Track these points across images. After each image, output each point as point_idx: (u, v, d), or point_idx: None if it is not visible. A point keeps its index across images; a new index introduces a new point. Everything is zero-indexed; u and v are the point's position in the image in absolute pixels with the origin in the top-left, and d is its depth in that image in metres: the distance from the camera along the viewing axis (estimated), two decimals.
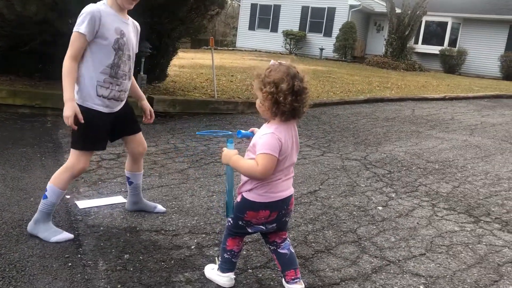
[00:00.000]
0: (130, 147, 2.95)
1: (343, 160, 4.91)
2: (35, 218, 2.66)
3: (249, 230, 2.19)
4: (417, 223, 3.35)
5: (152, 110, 3.06)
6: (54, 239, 2.60)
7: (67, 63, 2.47)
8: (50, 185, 2.63)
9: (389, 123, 7.34)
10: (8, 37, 5.88)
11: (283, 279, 2.27)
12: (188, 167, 4.27)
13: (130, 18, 2.72)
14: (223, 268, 2.29)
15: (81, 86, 2.55)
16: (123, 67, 2.62)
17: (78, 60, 2.51)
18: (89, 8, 2.46)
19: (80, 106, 2.51)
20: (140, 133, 2.96)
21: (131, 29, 2.69)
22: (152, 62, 7.35)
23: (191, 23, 7.35)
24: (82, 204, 3.19)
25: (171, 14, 6.38)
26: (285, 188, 2.11)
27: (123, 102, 2.77)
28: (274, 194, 2.08)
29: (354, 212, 3.46)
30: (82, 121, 2.47)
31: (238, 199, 2.15)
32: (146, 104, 3.02)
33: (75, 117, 2.45)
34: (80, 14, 2.47)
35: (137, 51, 2.83)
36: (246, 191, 2.10)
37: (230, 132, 2.20)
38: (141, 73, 6.43)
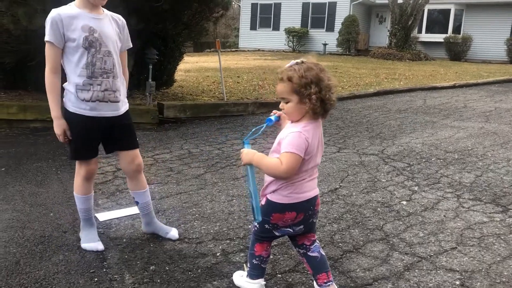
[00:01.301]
0: (122, 163, 2.75)
1: (360, 156, 4.83)
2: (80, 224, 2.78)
3: (277, 234, 2.13)
4: (444, 216, 3.26)
5: None
6: (83, 245, 2.67)
7: (48, 78, 2.41)
8: (73, 192, 2.72)
9: (402, 115, 7.24)
10: (15, 52, 5.87)
11: (314, 283, 2.20)
12: (204, 172, 4.22)
13: (106, 12, 2.55)
14: (253, 275, 2.22)
15: (64, 93, 2.49)
16: (101, 65, 2.44)
17: (59, 71, 2.43)
18: (49, 15, 2.37)
19: (66, 111, 2.48)
20: (136, 150, 2.72)
21: (107, 23, 2.51)
22: (159, 68, 7.31)
23: (196, 27, 7.30)
24: (102, 216, 3.14)
25: (175, 19, 6.34)
26: (310, 189, 2.05)
27: (117, 105, 2.56)
28: (299, 195, 2.01)
29: (379, 209, 3.38)
30: (71, 138, 2.49)
31: (263, 202, 2.08)
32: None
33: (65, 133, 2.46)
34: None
35: (131, 45, 2.69)
36: (270, 193, 2.03)
37: (265, 124, 2.08)
38: (149, 80, 6.39)
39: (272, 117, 2.10)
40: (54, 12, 2.37)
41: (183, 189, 3.75)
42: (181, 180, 3.98)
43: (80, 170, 2.63)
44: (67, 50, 2.41)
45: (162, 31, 6.44)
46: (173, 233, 2.85)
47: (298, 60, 1.94)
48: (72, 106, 2.46)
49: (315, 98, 1.86)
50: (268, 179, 2.04)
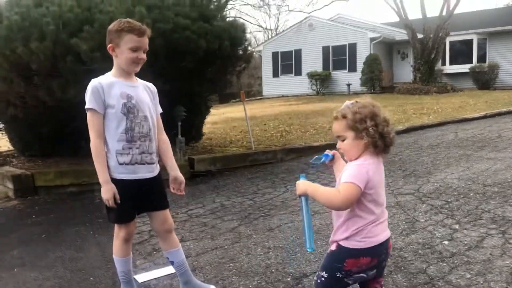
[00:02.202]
0: (153, 224, 2.80)
1: (396, 196, 4.73)
2: None
3: (349, 281, 2.02)
4: (490, 254, 3.12)
5: (184, 182, 2.77)
6: None
7: (94, 144, 2.49)
8: (113, 255, 2.76)
9: (435, 150, 7.10)
10: (51, 122, 6.16)
11: None
12: (238, 225, 4.20)
13: (139, 80, 2.71)
14: None
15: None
16: (139, 129, 2.57)
17: (103, 136, 2.52)
18: (90, 84, 2.51)
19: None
20: (167, 210, 2.76)
21: (141, 90, 2.66)
22: (187, 123, 7.49)
23: (220, 82, 7.52)
24: (140, 278, 3.15)
25: (200, 77, 6.56)
26: (382, 231, 1.97)
27: (152, 167, 2.66)
28: (373, 239, 1.94)
29: (420, 251, 3.27)
30: (119, 201, 2.50)
31: (333, 247, 1.99)
32: (177, 174, 2.74)
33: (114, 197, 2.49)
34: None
35: (161, 111, 2.79)
36: (342, 240, 1.95)
37: (323, 158, 2.10)
38: (179, 136, 6.55)
39: (329, 154, 2.10)
40: (95, 81, 2.52)
41: (218, 244, 3.74)
42: (215, 234, 3.98)
43: (119, 233, 2.67)
44: (107, 116, 2.53)
45: (187, 88, 6.66)
46: None
47: (353, 101, 1.96)
48: (113, 171, 2.54)
49: (372, 131, 1.85)
50: (338, 224, 1.98)
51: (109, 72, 2.63)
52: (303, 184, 1.94)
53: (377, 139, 1.86)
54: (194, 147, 8.13)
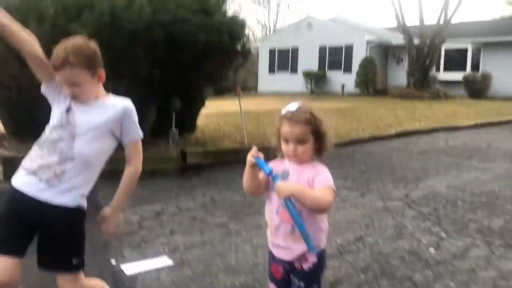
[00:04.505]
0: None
1: (384, 201, 4.78)
2: None
3: None
4: (475, 264, 3.17)
5: (113, 223, 2.17)
6: None
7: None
8: None
9: (425, 157, 7.18)
10: (44, 105, 6.10)
11: None
12: (228, 221, 4.22)
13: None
14: None
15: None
16: None
17: None
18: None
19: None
20: (70, 274, 2.06)
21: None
22: (182, 115, 7.47)
23: (217, 75, 7.51)
24: (128, 269, 3.15)
25: (197, 70, 6.54)
26: None
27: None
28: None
29: (406, 257, 3.32)
30: None
31: (314, 260, 1.93)
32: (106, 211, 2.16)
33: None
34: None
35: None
36: (319, 247, 1.94)
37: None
38: (173, 128, 6.54)
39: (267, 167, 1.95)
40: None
41: (207, 239, 3.76)
42: (205, 229, 3.99)
43: None
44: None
45: (184, 80, 6.64)
46: None
47: (299, 103, 1.98)
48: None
49: (326, 138, 1.93)
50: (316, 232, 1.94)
51: None
52: (287, 186, 1.85)
53: (325, 145, 1.94)
54: (187, 139, 8.11)
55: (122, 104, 2.10)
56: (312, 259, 1.93)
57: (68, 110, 2.03)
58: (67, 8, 5.53)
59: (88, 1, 5.70)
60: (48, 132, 2.04)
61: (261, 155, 1.95)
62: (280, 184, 1.86)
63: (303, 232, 1.84)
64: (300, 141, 1.92)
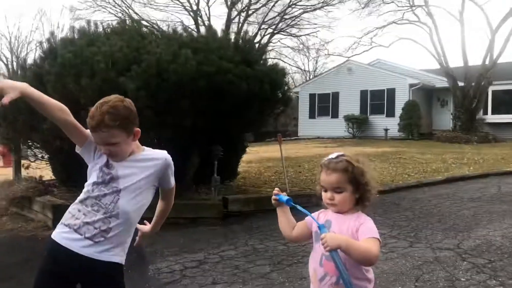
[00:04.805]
0: None
1: (434, 251, 4.55)
2: None
3: None
4: None
5: (148, 235, 2.38)
6: None
7: None
8: None
9: (476, 204, 6.85)
10: None
11: None
12: (270, 271, 4.14)
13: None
14: None
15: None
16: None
17: None
18: None
19: None
20: None
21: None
22: (223, 162, 7.57)
23: (257, 123, 7.61)
24: None
25: (239, 117, 6.67)
26: None
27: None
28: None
29: None
30: None
31: None
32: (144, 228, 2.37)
33: None
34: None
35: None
36: None
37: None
38: (215, 175, 6.61)
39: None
40: None
41: None
42: (247, 279, 3.92)
43: None
44: None
45: (225, 128, 6.77)
46: None
47: (340, 152, 1.97)
48: None
49: (366, 188, 1.89)
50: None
51: None
52: (334, 239, 1.80)
53: (367, 196, 1.90)
54: (228, 186, 8.16)
55: (162, 157, 2.15)
56: None
57: (108, 166, 2.07)
58: (116, 62, 5.85)
59: (137, 55, 6.02)
60: (90, 189, 2.07)
61: (282, 192, 2.01)
62: (327, 235, 1.82)
63: (349, 285, 1.78)
64: (337, 189, 1.91)
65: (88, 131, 2.05)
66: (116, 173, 2.05)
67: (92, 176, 2.08)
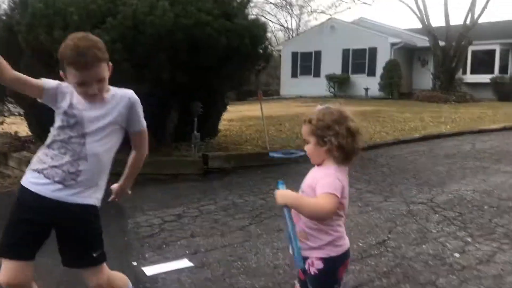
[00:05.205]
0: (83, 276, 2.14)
1: (408, 205, 4.69)
2: None
3: None
4: (502, 269, 3.08)
5: (120, 197, 2.34)
6: None
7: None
8: None
9: (450, 160, 7.02)
10: None
11: None
12: (249, 224, 4.21)
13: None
14: None
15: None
16: None
17: None
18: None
19: None
20: (94, 268, 2.09)
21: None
22: (204, 119, 7.52)
23: (238, 79, 7.52)
24: (149, 270, 3.18)
25: (219, 73, 6.57)
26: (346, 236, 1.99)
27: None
28: (346, 240, 1.95)
29: (430, 262, 3.24)
30: None
31: (320, 266, 1.89)
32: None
33: None
34: None
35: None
36: (325, 254, 1.88)
37: (302, 153, 2.08)
38: (195, 131, 6.58)
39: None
40: None
41: (228, 241, 3.75)
42: (226, 232, 3.99)
43: None
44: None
45: (206, 84, 6.68)
46: None
47: (324, 106, 1.95)
48: None
49: (332, 141, 1.84)
50: (311, 243, 1.90)
51: None
52: (282, 196, 1.84)
53: (334, 150, 1.85)
54: (208, 143, 8.14)
55: (126, 95, 2.09)
56: (318, 264, 1.89)
57: (72, 108, 2.00)
58: (91, 14, 5.64)
59: (112, 6, 5.80)
60: (56, 133, 2.03)
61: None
62: (277, 192, 1.88)
63: (293, 245, 1.82)
64: (306, 141, 1.95)
65: (36, 80, 1.98)
66: (81, 116, 2.00)
67: (57, 120, 2.04)
